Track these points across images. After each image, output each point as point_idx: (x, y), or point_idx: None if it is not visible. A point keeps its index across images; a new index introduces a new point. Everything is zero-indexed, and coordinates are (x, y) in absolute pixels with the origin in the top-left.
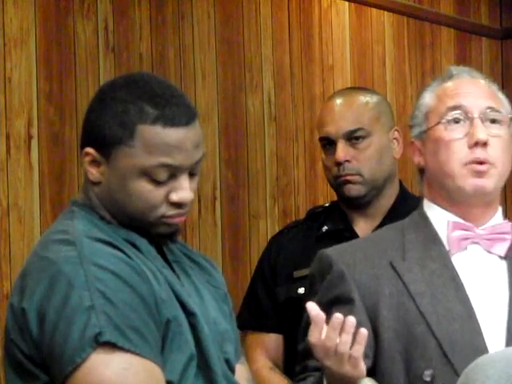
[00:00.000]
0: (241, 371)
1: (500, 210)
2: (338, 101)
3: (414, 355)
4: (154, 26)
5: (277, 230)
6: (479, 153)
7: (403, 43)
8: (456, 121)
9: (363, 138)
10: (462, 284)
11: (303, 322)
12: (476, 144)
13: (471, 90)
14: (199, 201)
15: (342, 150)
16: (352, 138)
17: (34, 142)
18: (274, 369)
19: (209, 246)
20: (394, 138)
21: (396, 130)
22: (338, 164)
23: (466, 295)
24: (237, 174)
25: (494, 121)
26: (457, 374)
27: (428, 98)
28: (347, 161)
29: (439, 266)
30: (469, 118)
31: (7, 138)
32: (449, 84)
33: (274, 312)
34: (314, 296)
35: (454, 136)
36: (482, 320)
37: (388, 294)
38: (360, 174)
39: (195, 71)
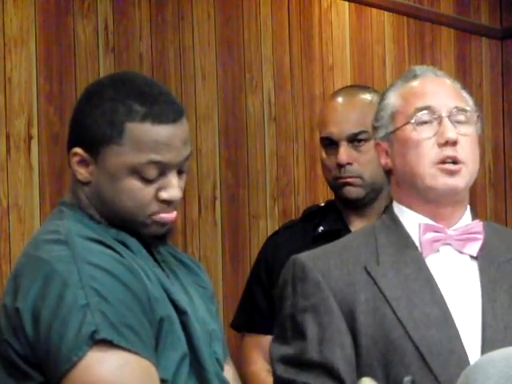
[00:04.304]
0: (228, 371)
1: (469, 208)
2: (342, 101)
3: (393, 361)
4: (154, 26)
5: None
6: (449, 151)
7: (403, 43)
8: (424, 121)
9: (366, 140)
10: (437, 287)
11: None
12: (446, 143)
13: (438, 90)
14: (199, 201)
15: (345, 153)
16: (355, 140)
17: (34, 142)
18: (271, 372)
19: (209, 245)
20: None
21: None
22: (340, 166)
23: (443, 298)
24: (237, 174)
25: (461, 120)
26: (436, 379)
27: (393, 99)
28: (349, 163)
29: (414, 269)
30: (437, 118)
31: (7, 138)
32: (414, 84)
33: (271, 313)
34: (285, 301)
35: (423, 136)
36: (457, 323)
37: (364, 299)
38: (361, 177)
39: (195, 71)
